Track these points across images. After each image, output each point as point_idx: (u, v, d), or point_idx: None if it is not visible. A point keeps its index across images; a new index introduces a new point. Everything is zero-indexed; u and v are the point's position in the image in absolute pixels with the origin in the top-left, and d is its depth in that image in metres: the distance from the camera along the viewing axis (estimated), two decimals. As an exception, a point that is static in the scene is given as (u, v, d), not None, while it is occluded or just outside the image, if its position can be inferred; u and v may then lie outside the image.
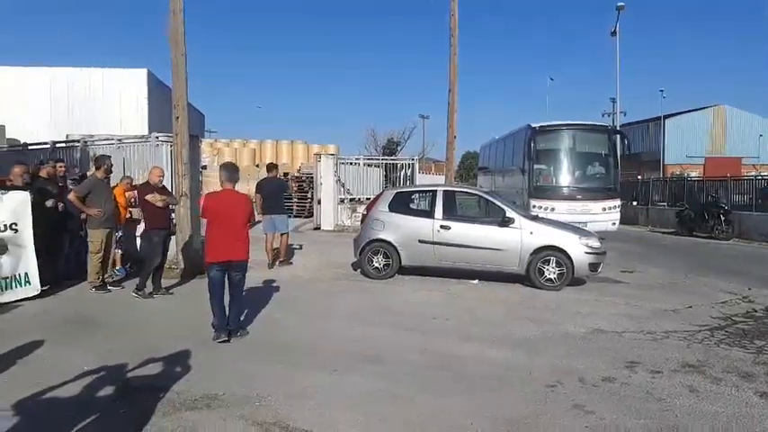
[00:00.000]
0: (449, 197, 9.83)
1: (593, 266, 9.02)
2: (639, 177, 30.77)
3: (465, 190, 11.11)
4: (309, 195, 21.36)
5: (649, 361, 5.47)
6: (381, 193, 10.57)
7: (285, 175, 13.41)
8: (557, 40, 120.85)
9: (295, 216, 21.23)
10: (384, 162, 22.31)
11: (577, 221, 15.67)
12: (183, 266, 9.74)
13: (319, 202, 17.88)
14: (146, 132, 14.73)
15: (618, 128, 18.92)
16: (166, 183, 10.11)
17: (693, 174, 43.05)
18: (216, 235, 5.99)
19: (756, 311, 7.70)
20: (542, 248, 8.98)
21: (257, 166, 34.23)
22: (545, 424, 4.06)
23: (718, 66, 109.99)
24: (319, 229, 17.59)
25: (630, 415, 4.18)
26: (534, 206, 16.44)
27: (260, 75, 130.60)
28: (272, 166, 11.17)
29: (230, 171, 6.32)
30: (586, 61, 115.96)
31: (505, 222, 9.13)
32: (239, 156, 36.24)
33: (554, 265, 8.93)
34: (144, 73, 30.88)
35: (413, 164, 20.62)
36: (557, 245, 8.96)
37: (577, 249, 8.92)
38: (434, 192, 9.81)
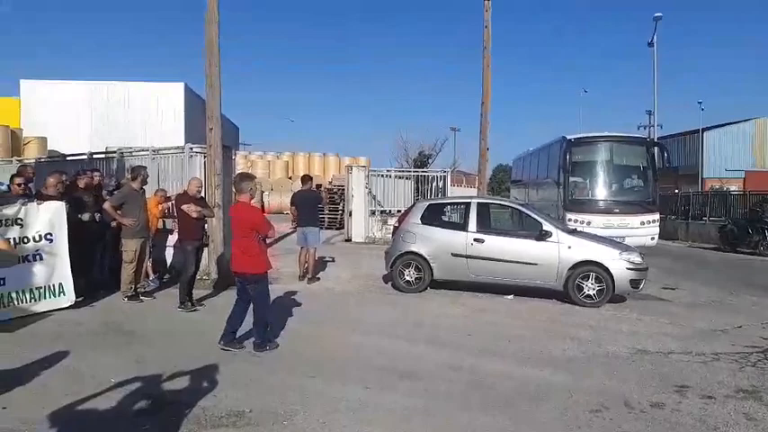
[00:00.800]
0: (483, 209, 9.60)
1: (635, 283, 8.65)
2: (677, 191, 29.86)
3: (499, 202, 10.88)
4: (341, 207, 21.31)
5: (700, 385, 5.14)
6: (413, 205, 10.40)
7: (318, 186, 13.36)
8: (592, 52, 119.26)
9: (326, 228, 21.19)
10: (415, 174, 22.16)
11: (614, 236, 15.22)
12: (215, 278, 9.71)
13: (350, 214, 17.78)
14: (182, 144, 14.91)
15: (656, 140, 18.36)
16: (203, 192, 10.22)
17: (733, 188, 41.65)
18: (232, 246, 6.31)
19: (811, 332, 7.26)
20: (581, 263, 8.66)
21: (290, 178, 34.56)
22: (590, 452, 3.80)
23: (758, 78, 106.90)
24: (350, 241, 17.49)
25: (683, 444, 3.90)
26: (570, 219, 16.04)
27: (294, 88, 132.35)
28: (306, 178, 11.08)
29: (235, 183, 6.39)
30: (621, 73, 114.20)
31: (543, 236, 8.85)
32: (272, 168, 36.69)
33: (593, 280, 8.60)
34: (181, 86, 31.56)
35: (445, 176, 20.41)
36: (596, 260, 8.63)
37: (618, 265, 8.58)
38: (468, 204, 9.59)
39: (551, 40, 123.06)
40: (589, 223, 15.73)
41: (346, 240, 17.70)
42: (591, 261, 8.64)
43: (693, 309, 8.85)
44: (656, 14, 29.31)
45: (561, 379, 5.33)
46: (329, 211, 21.61)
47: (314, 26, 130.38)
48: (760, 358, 6.06)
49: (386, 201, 19.73)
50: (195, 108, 28.51)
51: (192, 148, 10.79)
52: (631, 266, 8.62)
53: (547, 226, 8.96)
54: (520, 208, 9.89)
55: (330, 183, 24.47)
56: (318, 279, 10.44)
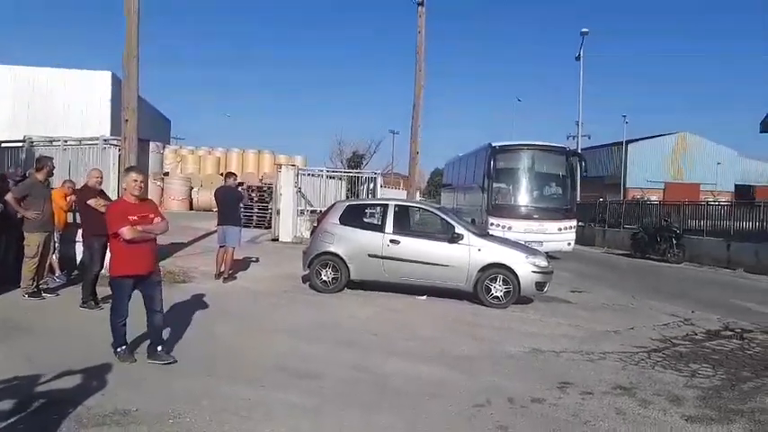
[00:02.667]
0: (400, 212, 9.79)
1: (540, 285, 9.05)
2: (601, 200, 31.31)
3: (417, 205, 11.08)
4: (271, 206, 21.08)
5: (582, 382, 5.45)
6: (333, 206, 10.45)
7: (240, 184, 13.23)
8: (527, 62, 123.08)
9: (255, 226, 20.93)
10: (348, 175, 22.23)
11: (534, 240, 15.85)
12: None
13: (278, 213, 17.63)
14: (104, 135, 14.34)
15: (578, 150, 19.22)
16: (114, 187, 9.90)
17: (654, 198, 43.94)
18: None
19: (696, 335, 7.80)
20: (490, 266, 8.99)
21: (221, 174, 33.84)
22: (466, 445, 3.98)
23: (682, 93, 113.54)
24: (277, 240, 17.33)
25: (554, 437, 4.14)
26: (492, 224, 16.55)
27: (233, 84, 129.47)
28: (229, 174, 10.92)
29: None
30: (554, 84, 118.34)
31: (455, 239, 9.11)
32: (204, 163, 35.79)
33: (501, 282, 8.93)
34: (108, 75, 30.34)
35: (375, 178, 20.58)
36: (504, 262, 8.97)
37: (524, 268, 8.95)
38: (385, 206, 9.75)
39: (492, 50, 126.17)
40: (510, 228, 16.27)
41: (273, 240, 17.53)
42: (499, 264, 8.98)
43: (594, 311, 9.33)
44: (582, 30, 30.56)
45: (456, 376, 5.53)
46: (258, 209, 21.36)
47: (255, 24, 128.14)
48: (644, 358, 6.48)
49: (316, 201, 19.67)
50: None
51: (105, 140, 10.44)
52: (537, 270, 9.01)
53: (459, 229, 9.23)
54: (434, 211, 10.14)
55: (261, 180, 24.16)
56: (235, 278, 10.31)
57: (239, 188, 12.06)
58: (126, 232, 5.30)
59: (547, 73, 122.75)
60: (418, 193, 60.81)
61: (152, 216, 5.56)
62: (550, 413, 4.64)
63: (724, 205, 19.55)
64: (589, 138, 53.46)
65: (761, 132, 26.28)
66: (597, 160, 67.74)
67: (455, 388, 5.17)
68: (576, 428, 4.35)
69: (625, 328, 8.00)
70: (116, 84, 30.03)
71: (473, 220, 18.52)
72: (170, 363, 5.41)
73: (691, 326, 8.32)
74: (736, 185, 62.17)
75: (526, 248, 9.75)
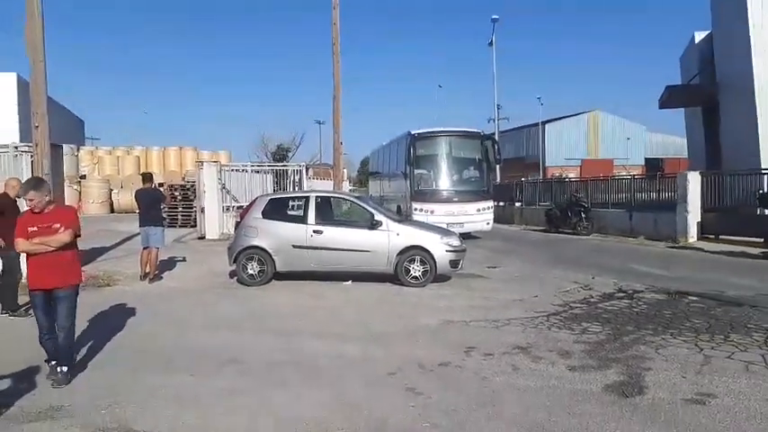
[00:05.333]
0: (322, 203, 10.20)
1: (454, 263, 9.72)
2: (523, 179, 32.84)
3: (337, 195, 11.51)
4: (195, 204, 20.89)
5: (485, 346, 6.08)
6: (255, 200, 10.72)
7: (160, 185, 13.18)
8: (449, 47, 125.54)
9: (181, 226, 20.71)
10: (273, 169, 22.32)
11: (455, 222, 16.68)
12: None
13: (203, 211, 17.59)
14: (17, 141, 13.84)
15: (494, 134, 20.22)
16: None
17: (572, 175, 46.41)
18: None
19: (593, 298, 8.68)
20: (408, 248, 9.57)
21: (141, 174, 33.02)
22: (378, 405, 4.47)
23: (594, 72, 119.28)
24: (204, 238, 17.31)
25: (454, 393, 4.70)
26: (416, 209, 17.25)
27: (150, 81, 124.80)
28: (147, 177, 10.96)
29: None
30: (474, 70, 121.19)
31: (374, 225, 9.62)
32: (122, 164, 34.71)
33: (418, 263, 9.54)
34: (13, 77, 28.81)
35: (301, 170, 20.81)
36: (420, 244, 9.58)
37: (439, 248, 9.59)
38: (307, 198, 10.13)
39: (417, 37, 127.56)
40: (433, 212, 17.03)
41: (200, 238, 17.49)
42: (416, 246, 9.58)
43: (506, 283, 10.10)
44: (493, 17, 31.76)
45: (375, 351, 6.03)
46: (183, 208, 21.11)
47: (174, 15, 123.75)
48: (543, 321, 7.21)
49: (243, 196, 19.68)
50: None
51: (16, 147, 10.23)
52: (450, 249, 9.68)
53: (378, 216, 9.75)
54: (354, 200, 10.62)
55: (183, 178, 23.84)
56: (161, 278, 10.40)
57: (160, 189, 12.08)
58: (18, 244, 5.08)
59: (468, 59, 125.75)
60: (348, 183, 61.27)
61: (56, 226, 5.06)
62: (454, 373, 5.23)
63: (625, 179, 21.07)
64: (508, 120, 55.68)
65: (660, 108, 28.40)
66: (518, 141, 70.46)
67: (373, 361, 5.66)
68: (475, 384, 4.94)
69: (530, 296, 8.77)
70: (23, 86, 28.61)
71: (399, 207, 19.19)
72: (60, 387, 4.94)
73: (589, 290, 9.22)
74: (646, 159, 66.29)
75: (440, 230, 10.40)
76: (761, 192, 14.04)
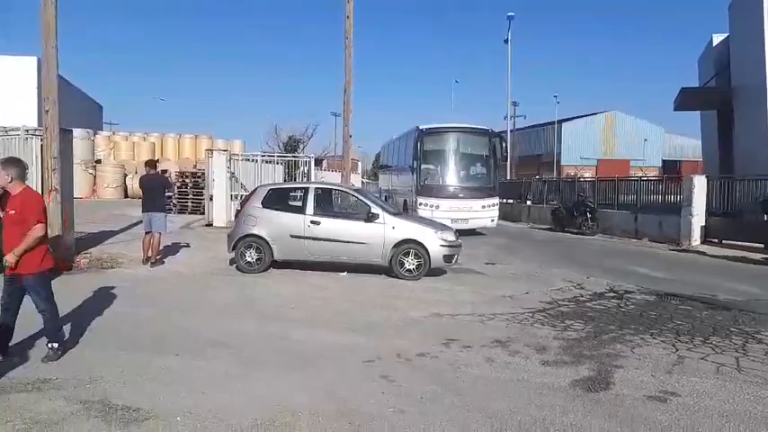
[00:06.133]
0: (321, 194, 10.40)
1: (448, 258, 9.85)
2: (533, 178, 32.82)
3: (336, 187, 11.68)
4: (205, 192, 21.19)
5: (466, 338, 6.22)
6: (255, 190, 10.93)
7: (164, 171, 13.49)
8: (468, 43, 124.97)
9: (190, 213, 21.06)
10: (284, 159, 22.57)
11: (460, 218, 16.82)
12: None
13: (211, 199, 17.88)
14: (35, 124, 14.16)
15: (498, 132, 20.23)
16: (37, 179, 10.06)
17: (588, 174, 46.13)
18: None
19: (582, 296, 8.77)
20: (403, 242, 9.72)
21: (157, 161, 33.44)
22: (350, 391, 4.64)
23: (613, 71, 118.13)
24: (211, 225, 17.59)
25: (426, 382, 4.85)
26: (421, 204, 17.40)
27: (169, 67, 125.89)
28: (151, 163, 11.24)
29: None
30: (492, 67, 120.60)
31: (371, 218, 9.79)
32: (138, 150, 35.15)
33: (413, 256, 9.69)
34: (34, 61, 29.33)
35: (309, 161, 21.04)
36: (415, 238, 9.73)
37: (434, 242, 9.73)
38: (306, 189, 10.32)
39: (437, 34, 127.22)
40: (438, 207, 17.18)
41: (207, 225, 17.79)
42: (411, 239, 9.73)
43: (501, 280, 10.20)
44: (509, 14, 31.66)
45: (358, 340, 6.19)
46: (193, 195, 21.44)
47: (194, 7, 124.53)
48: (528, 317, 7.33)
49: (252, 185, 19.90)
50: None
51: (27, 131, 10.52)
52: (445, 243, 9.81)
53: (375, 209, 9.91)
54: (352, 192, 10.79)
55: (194, 166, 24.18)
56: (163, 263, 10.67)
57: (165, 175, 12.35)
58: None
59: (485, 56, 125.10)
60: (360, 176, 61.44)
61: (11, 213, 5.02)
62: (430, 363, 5.38)
63: (632, 180, 20.97)
64: (525, 118, 55.67)
65: (675, 110, 28.19)
66: (534, 139, 70.13)
67: (355, 349, 5.82)
68: (448, 374, 5.09)
69: (521, 293, 8.87)
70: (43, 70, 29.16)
71: (405, 201, 19.35)
72: (49, 362, 5.12)
73: (581, 289, 9.30)
74: (663, 161, 65.69)
75: (436, 224, 10.53)
76: (763, 197, 13.96)
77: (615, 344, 6.14)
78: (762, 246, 13.36)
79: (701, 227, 15.41)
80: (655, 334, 6.54)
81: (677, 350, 5.90)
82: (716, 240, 15.25)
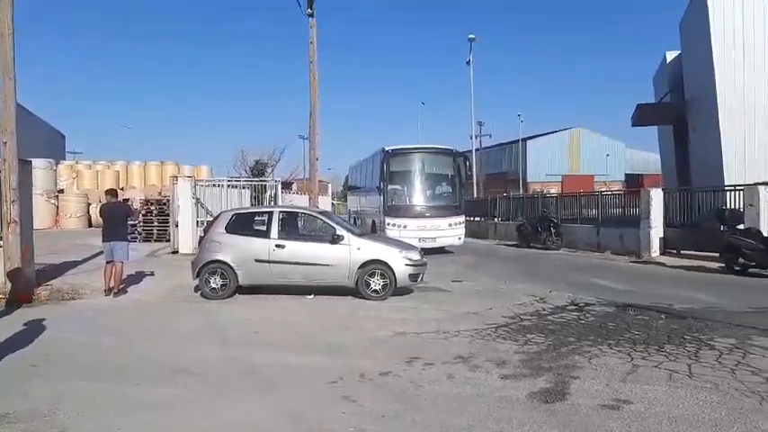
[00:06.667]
0: (285, 217, 10.44)
1: (414, 277, 9.98)
2: (505, 194, 33.41)
3: (300, 211, 11.71)
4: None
5: (430, 356, 6.30)
6: (219, 215, 10.92)
7: (126, 200, 13.40)
8: (434, 62, 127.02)
9: (156, 240, 20.81)
10: (251, 183, 22.51)
11: (427, 237, 17.02)
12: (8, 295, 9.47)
13: (177, 226, 17.71)
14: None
15: (463, 152, 20.62)
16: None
17: (553, 190, 47.04)
18: None
19: (544, 310, 8.96)
20: (368, 262, 9.81)
21: (122, 188, 32.96)
22: (312, 412, 4.68)
23: (576, 89, 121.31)
24: (177, 252, 17.40)
25: (388, 401, 4.92)
26: (389, 224, 17.56)
27: (136, 96, 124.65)
28: (112, 192, 11.15)
29: None
30: (458, 87, 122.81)
31: (336, 240, 9.86)
32: (102, 178, 34.63)
33: (378, 277, 9.78)
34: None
35: (276, 185, 21.04)
36: (380, 258, 9.83)
37: (399, 262, 9.85)
38: (271, 213, 10.35)
39: (397, 57, 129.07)
40: (405, 227, 17.36)
41: (173, 252, 17.59)
42: (376, 260, 9.83)
43: (466, 297, 10.34)
44: (470, 36, 32.42)
45: (323, 361, 6.23)
46: (159, 222, 21.20)
47: (158, 29, 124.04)
48: (490, 332, 7.46)
49: (218, 211, 19.78)
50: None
51: (-17, 163, 10.33)
52: (410, 263, 9.94)
53: (340, 231, 9.99)
54: (317, 215, 10.86)
55: (160, 193, 23.95)
56: (126, 292, 10.52)
57: (126, 203, 12.24)
58: None
59: (452, 76, 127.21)
60: (329, 198, 61.39)
61: None
62: (392, 382, 5.45)
63: (594, 195, 21.52)
64: (490, 137, 56.58)
65: (632, 126, 29.10)
66: (500, 157, 71.33)
67: (318, 371, 5.85)
68: (410, 391, 5.17)
69: (485, 309, 9.01)
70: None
71: (373, 221, 19.49)
72: None
73: (543, 303, 9.50)
74: (626, 175, 67.42)
75: (401, 244, 10.66)
76: (718, 208, 14.49)
77: (573, 355, 6.30)
78: (718, 255, 13.80)
79: (660, 238, 15.88)
80: (612, 344, 6.73)
81: (632, 359, 6.08)
82: (674, 251, 15.72)
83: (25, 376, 5.66)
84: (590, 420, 4.41)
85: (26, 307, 9.06)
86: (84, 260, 14.53)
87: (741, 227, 13.16)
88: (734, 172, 18.64)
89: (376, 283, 9.77)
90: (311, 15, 19.51)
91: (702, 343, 6.75)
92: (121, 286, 10.46)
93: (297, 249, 9.94)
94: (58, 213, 28.24)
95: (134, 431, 4.33)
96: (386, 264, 9.79)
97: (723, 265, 13.10)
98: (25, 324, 7.69)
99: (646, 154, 68.03)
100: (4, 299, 9.37)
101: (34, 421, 4.50)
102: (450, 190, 18.84)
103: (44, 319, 8.03)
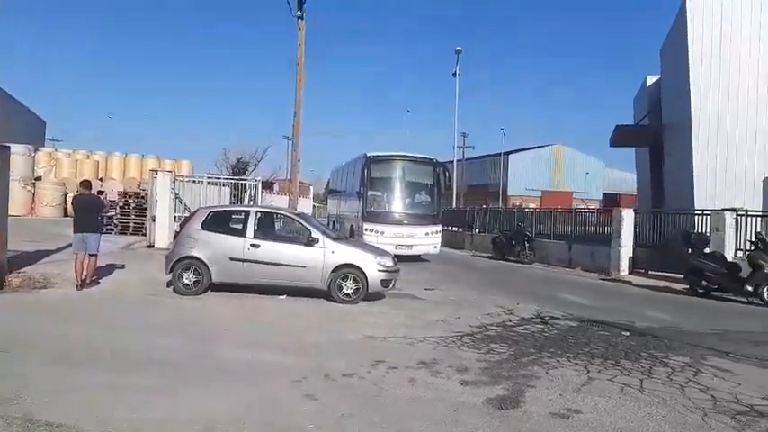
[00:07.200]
0: (262, 217, 10.55)
1: (385, 282, 10.15)
2: (485, 206, 33.77)
3: (277, 211, 11.82)
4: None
5: (394, 360, 6.46)
6: (196, 212, 10.99)
7: (100, 192, 13.30)
8: (420, 71, 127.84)
9: (132, 233, 20.69)
10: (231, 182, 22.53)
11: (403, 244, 17.19)
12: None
13: (153, 220, 17.65)
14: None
15: (443, 162, 20.87)
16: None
17: (532, 205, 47.63)
18: None
19: (510, 321, 9.18)
20: (342, 266, 9.97)
21: (101, 179, 32.65)
22: (273, 408, 4.82)
23: (560, 107, 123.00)
24: (153, 246, 17.33)
25: (348, 400, 5.07)
26: (366, 229, 17.71)
27: (122, 87, 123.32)
28: (86, 183, 11.12)
29: None
30: (444, 98, 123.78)
31: (311, 242, 10.00)
32: (81, 168, 34.25)
33: (351, 281, 9.94)
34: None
35: (256, 184, 21.09)
36: (354, 263, 9.99)
37: (372, 267, 10.01)
38: (247, 212, 10.46)
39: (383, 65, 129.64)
40: (383, 233, 17.53)
41: (149, 246, 17.51)
42: (350, 264, 9.99)
43: (437, 305, 10.53)
44: (457, 48, 32.85)
45: (290, 361, 6.35)
46: (135, 216, 21.08)
47: (147, 22, 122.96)
48: (455, 340, 7.65)
49: (197, 207, 19.77)
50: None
51: (-41, 147, 10.30)
52: (383, 269, 10.11)
53: (315, 233, 10.14)
54: (294, 217, 10.98)
55: (139, 186, 23.82)
56: (98, 283, 10.52)
57: (99, 196, 12.21)
58: None
59: (439, 85, 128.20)
60: (311, 200, 61.33)
61: None
62: (355, 383, 5.61)
63: (568, 212, 21.93)
64: (473, 149, 57.19)
65: (610, 146, 29.68)
66: (483, 169, 71.89)
67: (284, 369, 5.98)
68: (370, 393, 5.32)
69: (453, 317, 9.22)
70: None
71: (352, 226, 19.64)
72: None
73: (510, 314, 9.73)
74: (604, 194, 68.43)
75: (375, 250, 10.83)
76: (684, 230, 14.92)
77: (533, 366, 6.51)
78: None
79: (629, 257, 16.28)
80: (571, 357, 6.96)
81: (588, 372, 6.32)
82: (643, 271, 16.11)
83: (-7, 362, 5.71)
84: (540, 427, 4.60)
85: (3, 293, 9.04)
86: (58, 249, 14.40)
87: (707, 251, 13.57)
88: (705, 197, 19.15)
89: (348, 287, 9.92)
90: (301, 18, 19.72)
91: (657, 360, 7.00)
92: (94, 278, 10.45)
93: (272, 249, 10.05)
94: (34, 201, 27.84)
95: (98, 417, 4.41)
96: (359, 268, 9.95)
97: (688, 286, 13.48)
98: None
99: (624, 174, 69.14)
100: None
101: (1, 406, 4.56)
102: (429, 199, 19.08)
103: (14, 307, 8.06)
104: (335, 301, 9.95)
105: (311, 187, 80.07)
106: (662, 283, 14.54)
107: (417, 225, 18.09)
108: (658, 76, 26.68)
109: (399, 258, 11.71)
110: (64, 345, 6.57)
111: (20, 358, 5.95)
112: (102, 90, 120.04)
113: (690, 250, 14.06)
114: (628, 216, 16.51)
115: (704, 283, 12.96)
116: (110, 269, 12.08)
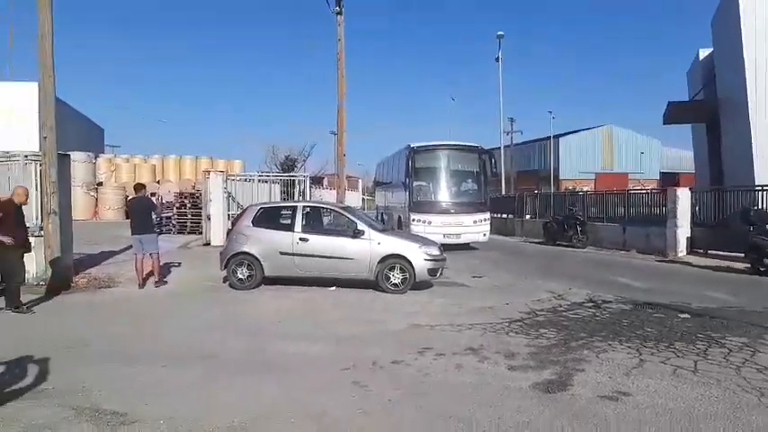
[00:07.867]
0: (309, 212, 10.79)
1: (432, 272, 10.21)
2: (535, 191, 33.27)
3: (323, 206, 12.04)
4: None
5: (441, 347, 6.53)
6: (246, 209, 11.32)
7: (152, 194, 13.88)
8: (466, 59, 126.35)
9: (189, 233, 21.46)
10: (280, 178, 23.01)
11: (452, 233, 17.19)
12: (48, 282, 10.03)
13: (209, 219, 18.27)
14: (38, 147, 14.54)
15: (490, 149, 20.65)
16: (38, 201, 10.45)
17: (586, 188, 46.50)
18: None
19: (561, 306, 9.08)
20: (388, 257, 10.08)
21: (158, 182, 33.92)
22: (322, 396, 4.97)
23: (607, 88, 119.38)
24: (209, 244, 17.95)
25: (395, 387, 5.18)
26: (414, 220, 17.79)
27: (174, 90, 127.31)
28: (139, 186, 11.63)
29: None
30: (490, 84, 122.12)
31: (357, 234, 10.16)
32: (139, 171, 35.67)
33: (398, 271, 10.05)
34: (35, 87, 29.87)
35: (305, 180, 21.46)
36: (400, 253, 10.09)
37: (418, 257, 10.09)
38: (295, 207, 10.70)
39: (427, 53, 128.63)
40: (430, 223, 17.58)
41: (205, 244, 18.15)
42: (396, 254, 10.09)
43: (484, 292, 10.52)
44: (498, 33, 32.32)
45: (338, 351, 6.51)
46: (192, 215, 21.85)
47: (196, 27, 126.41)
48: (504, 326, 7.65)
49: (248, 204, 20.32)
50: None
51: (26, 156, 10.92)
52: (429, 258, 10.17)
53: (360, 225, 10.29)
54: (339, 210, 11.16)
55: (193, 187, 24.63)
56: (166, 283, 10.98)
57: (151, 198, 12.70)
58: None
59: (487, 73, 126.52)
60: (359, 193, 61.74)
61: None
62: (402, 370, 5.71)
63: (618, 194, 21.30)
64: (522, 133, 56.27)
65: (664, 124, 28.63)
66: (532, 154, 70.59)
67: (332, 359, 6.15)
68: (417, 379, 5.42)
69: (502, 304, 9.18)
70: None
71: (399, 217, 19.75)
72: None
73: (560, 300, 9.62)
74: (661, 173, 66.05)
75: (420, 239, 10.89)
76: (743, 208, 14.30)
77: (583, 350, 6.45)
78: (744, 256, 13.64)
79: (687, 238, 15.74)
80: (622, 340, 6.84)
81: (640, 354, 6.21)
82: (701, 251, 15.55)
83: (62, 357, 6.09)
84: (587, 410, 4.59)
85: (65, 294, 9.62)
86: (121, 251, 15.13)
87: (768, 227, 12.98)
88: (765, 172, 18.27)
89: (395, 277, 10.04)
90: (339, 13, 19.88)
91: (713, 341, 6.81)
92: (161, 276, 10.94)
93: (320, 243, 10.26)
94: (96, 205, 29.26)
95: (159, 407, 4.67)
96: (405, 258, 10.04)
97: (749, 265, 12.96)
98: (63, 309, 8.20)
99: (682, 152, 66.52)
100: (45, 286, 9.92)
101: (69, 397, 4.90)
102: (476, 187, 18.94)
103: (81, 306, 8.55)
104: (384, 291, 10.08)
105: (359, 180, 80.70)
106: (722, 263, 14.02)
107: (465, 213, 18.01)
108: (711, 49, 25.53)
109: (447, 247, 11.73)
110: (127, 341, 6.95)
111: (87, 354, 6.34)
112: (155, 98, 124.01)
113: (750, 228, 13.48)
114: (683, 195, 15.94)
115: (766, 261, 12.42)
116: (167, 268, 12.60)
